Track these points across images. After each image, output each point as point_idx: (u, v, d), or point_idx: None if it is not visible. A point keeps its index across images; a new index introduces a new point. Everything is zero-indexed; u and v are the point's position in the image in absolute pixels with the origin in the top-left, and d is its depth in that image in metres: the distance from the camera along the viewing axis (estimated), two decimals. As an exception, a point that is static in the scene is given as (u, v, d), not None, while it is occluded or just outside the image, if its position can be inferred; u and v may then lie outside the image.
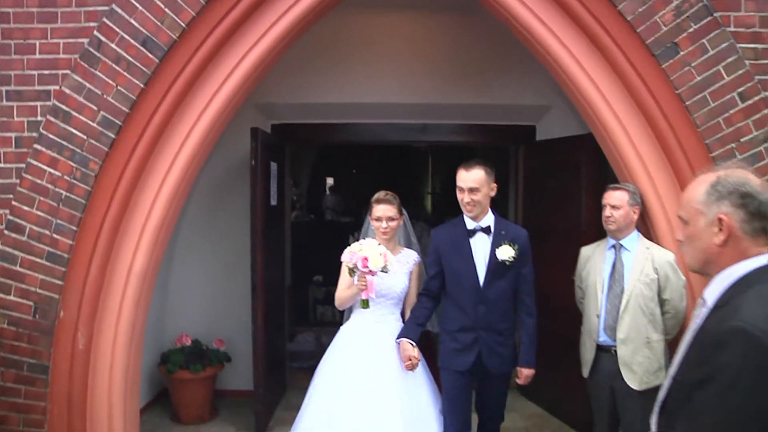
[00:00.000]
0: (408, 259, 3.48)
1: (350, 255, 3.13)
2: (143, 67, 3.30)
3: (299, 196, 10.82)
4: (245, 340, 5.02)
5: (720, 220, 1.42)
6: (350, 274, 3.23)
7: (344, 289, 3.41)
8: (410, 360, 3.22)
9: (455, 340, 3.18)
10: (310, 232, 8.60)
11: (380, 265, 3.07)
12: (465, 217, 3.21)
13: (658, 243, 3.33)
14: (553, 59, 3.45)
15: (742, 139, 3.17)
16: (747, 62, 3.17)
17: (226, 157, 4.92)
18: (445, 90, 4.96)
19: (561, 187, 4.61)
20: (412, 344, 3.23)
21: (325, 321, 6.76)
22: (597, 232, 3.65)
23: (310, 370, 5.73)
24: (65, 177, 3.34)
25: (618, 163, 3.51)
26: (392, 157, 10.88)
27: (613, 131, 3.41)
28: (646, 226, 3.44)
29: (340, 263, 3.35)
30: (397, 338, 3.29)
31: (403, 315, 3.46)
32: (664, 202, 3.35)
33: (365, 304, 3.24)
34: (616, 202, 3.23)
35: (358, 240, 3.34)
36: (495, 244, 3.14)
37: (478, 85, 4.95)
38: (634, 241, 3.28)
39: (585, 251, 3.47)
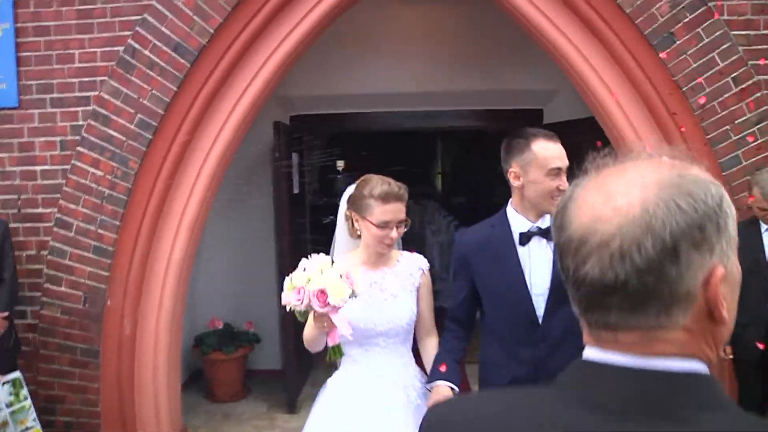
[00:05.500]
0: (411, 268, 2.30)
1: (295, 293, 1.95)
2: (175, 72, 3.55)
3: (311, 180, 11.04)
4: (272, 322, 5.32)
5: None
6: (300, 317, 2.02)
7: (308, 325, 2.15)
8: None
9: None
10: (325, 216, 8.84)
11: (346, 293, 1.93)
12: (511, 213, 2.15)
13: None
14: (558, 52, 3.66)
15: (736, 121, 3.39)
16: (740, 48, 3.38)
17: (248, 147, 5.17)
18: (455, 77, 5.17)
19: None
20: (452, 388, 2.14)
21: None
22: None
23: (332, 349, 6.09)
24: (107, 176, 3.61)
25: (620, 147, 3.74)
26: (401, 136, 11.10)
27: (615, 117, 3.64)
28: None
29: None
30: (430, 381, 2.18)
31: (414, 350, 2.35)
32: (665, 182, 3.59)
33: (335, 353, 2.07)
34: None
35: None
36: None
37: (486, 70, 5.15)
38: None
39: None
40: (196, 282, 5.30)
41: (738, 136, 3.38)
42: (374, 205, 2.14)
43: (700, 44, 3.37)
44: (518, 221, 2.13)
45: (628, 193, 0.68)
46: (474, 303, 2.23)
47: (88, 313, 3.65)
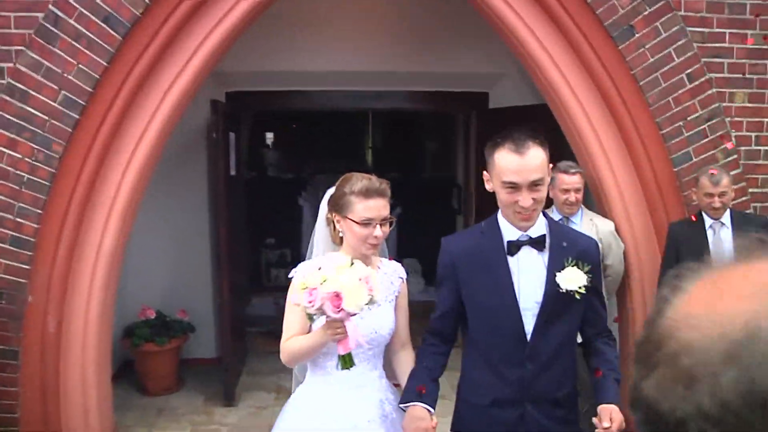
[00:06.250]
0: (392, 276, 2.17)
1: (307, 294, 1.78)
2: (106, 45, 3.19)
3: (245, 158, 10.66)
4: (207, 309, 5.07)
5: None
6: (309, 319, 1.91)
7: (298, 336, 2.02)
8: None
9: (486, 420, 1.96)
10: (255, 191, 8.52)
11: (363, 300, 1.79)
12: (501, 219, 1.97)
13: (609, 212, 3.60)
14: (514, 36, 3.55)
15: (688, 118, 3.42)
16: (695, 45, 3.39)
17: (181, 126, 4.81)
18: (399, 57, 4.99)
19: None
20: (429, 410, 1.95)
21: (280, 284, 6.84)
22: (548, 201, 3.86)
23: (268, 334, 5.89)
24: (26, 159, 3.22)
25: (574, 137, 3.71)
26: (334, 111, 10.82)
27: (570, 107, 3.59)
28: (598, 196, 3.70)
29: (288, 273, 2.13)
30: (403, 402, 2.00)
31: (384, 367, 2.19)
32: (617, 175, 3.59)
33: (347, 362, 1.90)
34: (578, 185, 3.43)
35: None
36: (554, 265, 1.91)
37: (430, 51, 5.00)
38: (579, 214, 3.53)
39: None
40: (125, 269, 4.94)
41: (690, 132, 3.42)
42: (355, 202, 1.99)
43: (658, 38, 3.36)
44: (507, 229, 1.96)
45: (740, 298, 0.46)
46: (458, 315, 2.06)
47: (6, 311, 3.28)
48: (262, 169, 10.72)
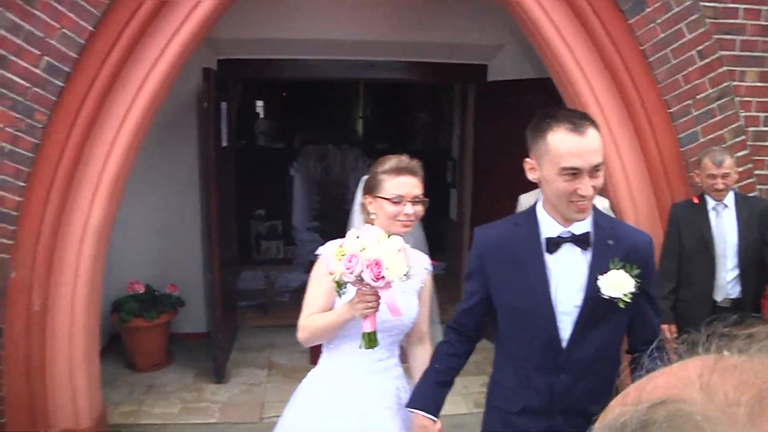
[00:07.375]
0: (417, 267, 1.99)
1: (345, 261, 1.73)
2: (91, 8, 3.01)
3: (236, 128, 10.44)
4: (196, 283, 4.97)
5: None
6: (338, 289, 1.83)
7: (320, 312, 1.97)
8: None
9: (512, 428, 1.80)
10: (245, 161, 8.34)
11: (402, 270, 1.72)
12: (540, 213, 1.76)
13: (613, 192, 3.51)
14: (517, 5, 3.41)
15: (698, 96, 3.32)
16: (707, 21, 3.28)
17: (170, 95, 4.64)
18: (395, 26, 4.83)
19: (514, 130, 4.68)
20: (432, 420, 1.87)
21: (270, 258, 6.73)
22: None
23: (259, 308, 5.81)
24: (7, 129, 3.05)
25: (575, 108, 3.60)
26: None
27: (575, 82, 3.47)
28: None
29: (312, 256, 2.10)
30: (408, 405, 1.92)
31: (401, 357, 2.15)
32: (622, 153, 3.50)
33: (370, 341, 1.82)
34: None
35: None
36: (597, 266, 1.69)
37: (428, 21, 4.85)
38: None
39: (525, 199, 3.53)
40: (113, 242, 4.81)
41: (698, 112, 3.33)
42: (386, 179, 1.98)
43: (670, 13, 3.24)
44: (547, 223, 1.73)
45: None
46: (485, 312, 1.86)
47: (-12, 287, 3.16)
48: (252, 139, 10.51)
